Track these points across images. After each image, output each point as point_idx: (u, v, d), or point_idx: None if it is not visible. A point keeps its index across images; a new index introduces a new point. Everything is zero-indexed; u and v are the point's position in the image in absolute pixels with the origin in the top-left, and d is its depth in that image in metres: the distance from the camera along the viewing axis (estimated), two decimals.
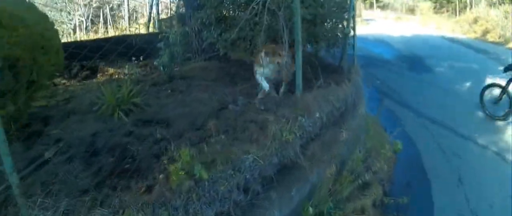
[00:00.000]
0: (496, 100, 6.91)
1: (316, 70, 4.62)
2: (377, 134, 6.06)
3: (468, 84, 8.87)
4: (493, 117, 6.84)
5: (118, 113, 3.70)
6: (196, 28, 5.67)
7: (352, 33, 5.95)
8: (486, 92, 7.10)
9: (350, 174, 4.34)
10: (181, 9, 7.10)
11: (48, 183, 2.75)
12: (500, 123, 6.71)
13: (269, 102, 3.87)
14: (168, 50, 4.95)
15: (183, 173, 2.59)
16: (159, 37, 5.13)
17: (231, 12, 4.80)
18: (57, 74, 4.79)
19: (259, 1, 4.12)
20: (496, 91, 7.00)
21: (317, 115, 4.01)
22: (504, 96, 6.77)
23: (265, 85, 4.19)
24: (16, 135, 3.35)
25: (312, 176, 3.70)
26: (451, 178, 5.25)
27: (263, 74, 4.19)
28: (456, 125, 6.71)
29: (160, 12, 10.57)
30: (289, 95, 4.14)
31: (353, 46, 6.22)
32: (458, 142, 6.19)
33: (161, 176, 2.73)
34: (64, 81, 5.56)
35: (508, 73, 6.72)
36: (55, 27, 4.17)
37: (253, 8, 4.09)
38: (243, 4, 4.47)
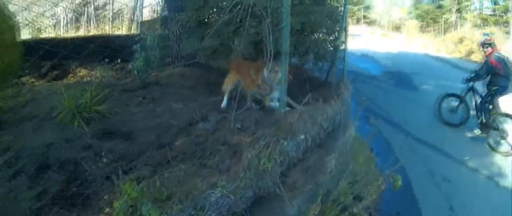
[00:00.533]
0: (453, 109, 7.30)
1: (303, 84, 4.11)
2: (364, 156, 5.59)
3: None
4: (449, 124, 7.23)
5: (78, 121, 3.36)
6: (177, 32, 5.18)
7: (342, 46, 5.51)
8: (444, 102, 7.52)
9: (336, 205, 3.81)
10: (164, 12, 6.62)
11: None
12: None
13: (248, 119, 3.30)
14: (144, 53, 4.60)
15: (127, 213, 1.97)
16: (136, 39, 4.76)
17: (213, 16, 4.27)
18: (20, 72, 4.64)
19: (243, 5, 3.58)
20: (453, 101, 7.42)
21: (302, 137, 3.47)
22: (461, 105, 7.20)
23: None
24: None
25: (291, 209, 3.15)
26: (442, 206, 4.84)
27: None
28: (444, 145, 6.44)
29: (146, 14, 10.03)
30: (270, 111, 3.58)
31: (344, 59, 5.76)
32: (447, 165, 5.86)
33: (106, 210, 2.13)
34: (32, 80, 5.27)
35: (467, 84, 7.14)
36: (11, 21, 3.70)
37: (237, 12, 3.55)
38: (226, 8, 3.94)
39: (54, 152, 2.95)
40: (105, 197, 2.23)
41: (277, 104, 3.72)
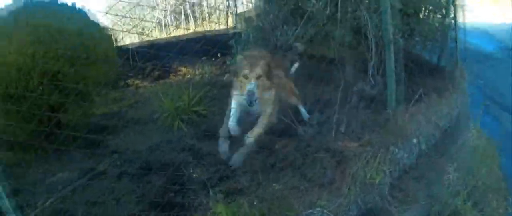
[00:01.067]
0: None
1: (412, 72, 3.50)
2: (485, 156, 4.68)
3: None
4: None
5: (178, 123, 3.36)
6: (271, 23, 4.96)
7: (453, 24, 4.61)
8: None
9: None
10: (258, 2, 6.48)
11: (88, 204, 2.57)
12: None
13: (353, 121, 2.85)
14: (239, 47, 4.47)
15: None
16: (232, 33, 4.65)
17: (307, 4, 3.87)
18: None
19: None
20: None
21: (414, 140, 2.93)
22: None
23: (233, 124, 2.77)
24: (74, 145, 3.28)
25: None
26: None
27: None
28: None
29: (242, 5, 10.02)
30: (377, 110, 3.07)
31: (455, 40, 4.83)
32: None
33: None
34: (137, 82, 5.48)
35: None
36: (102, 33, 3.79)
37: None
38: None
39: (155, 155, 3.01)
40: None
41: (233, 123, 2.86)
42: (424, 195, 2.93)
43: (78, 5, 3.75)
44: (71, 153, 3.34)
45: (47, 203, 2.71)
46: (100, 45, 3.50)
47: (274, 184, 2.18)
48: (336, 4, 3.26)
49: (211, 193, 2.07)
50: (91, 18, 3.75)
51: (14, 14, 3.37)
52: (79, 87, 3.24)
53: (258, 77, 2.52)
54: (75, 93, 3.22)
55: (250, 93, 2.47)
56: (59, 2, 3.81)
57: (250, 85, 2.48)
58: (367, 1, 3.19)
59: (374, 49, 3.04)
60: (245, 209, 1.92)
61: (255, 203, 2.03)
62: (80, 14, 3.78)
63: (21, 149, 3.19)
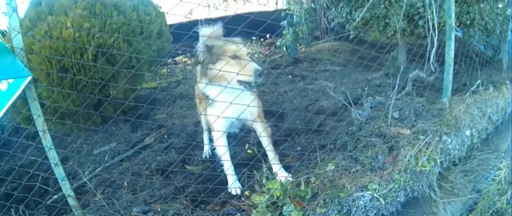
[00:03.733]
0: None
1: (470, 65, 3.36)
2: None
3: None
4: None
5: None
6: (324, 5, 4.88)
7: None
8: None
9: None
10: None
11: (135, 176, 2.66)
12: None
13: (407, 108, 2.82)
14: (291, 29, 4.50)
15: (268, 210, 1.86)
16: (282, 14, 4.69)
17: None
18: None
19: None
20: None
21: (467, 133, 2.85)
22: None
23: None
24: (123, 118, 3.47)
25: None
26: None
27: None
28: None
29: None
30: (431, 99, 3.01)
31: None
32: None
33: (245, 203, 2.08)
34: (185, 59, 5.68)
35: None
36: (156, 10, 3.89)
37: None
38: None
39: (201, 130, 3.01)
40: (245, 192, 2.15)
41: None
42: (470, 189, 2.89)
43: None
44: (119, 125, 3.52)
45: (94, 172, 2.90)
46: (155, 22, 3.61)
47: (328, 164, 2.23)
48: None
49: (265, 168, 2.14)
50: None
51: None
52: (132, 62, 3.36)
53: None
54: (126, 67, 3.33)
55: (257, 72, 1.94)
56: None
57: (251, 65, 1.97)
58: None
59: (434, 36, 2.94)
60: (302, 186, 1.99)
61: (311, 180, 2.09)
62: None
63: (71, 120, 3.32)
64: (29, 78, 1.79)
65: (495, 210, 3.39)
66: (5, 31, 4.64)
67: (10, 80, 1.76)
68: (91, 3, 3.31)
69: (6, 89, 1.77)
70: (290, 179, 2.15)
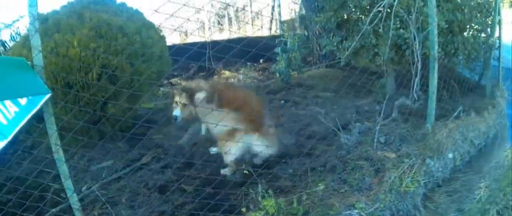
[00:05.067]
0: None
1: (453, 91, 3.58)
2: None
3: None
4: None
5: None
6: (316, 32, 5.09)
7: (497, 43, 4.61)
8: None
9: None
10: (302, 11, 6.57)
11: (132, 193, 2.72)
12: None
13: (392, 133, 3.01)
14: (285, 55, 4.65)
15: None
16: (276, 41, 4.82)
17: (353, 16, 3.99)
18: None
19: (384, 4, 3.22)
20: None
21: (450, 156, 3.04)
22: None
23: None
24: (120, 136, 3.51)
25: None
26: None
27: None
28: None
29: (284, 13, 10.09)
30: (416, 125, 3.20)
31: (499, 59, 4.82)
32: None
33: None
34: (180, 81, 5.69)
35: None
36: (158, 34, 4.06)
37: (378, 12, 3.22)
38: (367, 8, 3.63)
39: (199, 151, 3.15)
40: (242, 209, 2.29)
41: None
42: (454, 209, 3.04)
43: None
44: (117, 143, 3.54)
45: (92, 189, 2.87)
46: (157, 45, 3.75)
47: (318, 184, 2.38)
48: (382, 19, 3.36)
49: (260, 188, 2.29)
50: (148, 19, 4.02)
51: (78, 10, 3.63)
52: (133, 83, 3.42)
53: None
54: (127, 87, 3.36)
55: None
56: (117, 2, 4.10)
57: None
58: (412, 19, 3.28)
59: (419, 66, 3.15)
60: (294, 204, 2.14)
61: (302, 199, 2.25)
62: (138, 15, 4.07)
63: (70, 134, 3.42)
64: (48, 95, 1.88)
65: None
66: (5, 41, 4.79)
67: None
68: (97, 25, 3.43)
69: (25, 104, 1.85)
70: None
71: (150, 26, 3.94)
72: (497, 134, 3.97)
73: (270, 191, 2.28)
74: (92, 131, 3.41)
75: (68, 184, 2.11)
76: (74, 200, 2.12)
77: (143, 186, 2.87)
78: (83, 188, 2.97)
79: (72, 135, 3.26)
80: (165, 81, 5.33)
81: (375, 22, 3.21)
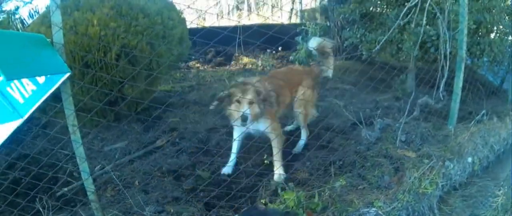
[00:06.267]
0: None
1: (475, 92, 3.49)
2: None
3: None
4: None
5: None
6: (338, 23, 4.99)
7: None
8: None
9: None
10: (324, 1, 6.43)
11: (146, 176, 2.68)
12: None
13: (413, 132, 2.95)
14: (305, 44, 4.54)
15: None
16: (297, 30, 4.63)
17: (378, 8, 3.88)
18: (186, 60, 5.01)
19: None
20: None
21: (469, 160, 2.97)
22: None
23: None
24: (136, 118, 3.48)
25: None
26: None
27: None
28: None
29: (306, 1, 9.91)
30: (438, 125, 3.13)
31: None
32: None
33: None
34: (198, 65, 5.69)
35: None
36: (179, 16, 3.95)
37: (405, 6, 3.12)
38: (394, 1, 3.52)
39: (214, 136, 3.10)
40: (261, 200, 2.26)
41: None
42: (468, 214, 3.00)
43: None
44: (132, 125, 3.51)
45: (105, 169, 2.88)
46: (177, 27, 3.67)
47: (340, 180, 2.35)
48: (408, 14, 3.27)
49: (282, 179, 2.26)
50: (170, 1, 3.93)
51: None
52: (152, 64, 3.41)
53: (250, 103, 2.47)
54: (146, 69, 3.36)
55: (243, 117, 2.44)
56: None
57: (243, 113, 2.43)
58: (444, 16, 3.18)
59: (445, 66, 3.06)
60: (315, 199, 2.11)
61: (323, 194, 2.21)
62: None
63: (89, 114, 3.40)
64: (67, 75, 1.80)
65: None
66: (24, 19, 4.75)
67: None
68: (118, 3, 3.37)
69: (43, 83, 1.79)
70: (283, 176, 2.48)
71: (171, 7, 3.86)
72: None
73: (291, 184, 2.24)
74: (109, 112, 3.39)
75: (84, 166, 2.07)
76: (89, 182, 2.09)
77: (156, 169, 2.84)
78: (96, 168, 2.96)
79: (88, 116, 3.30)
80: (183, 64, 5.29)
81: (401, 16, 3.11)
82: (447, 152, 2.75)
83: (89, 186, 2.13)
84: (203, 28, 5.64)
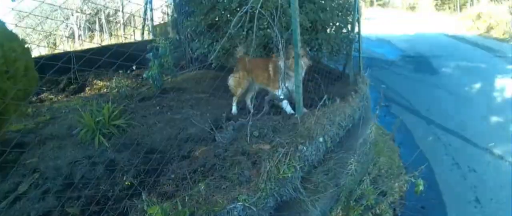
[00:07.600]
0: None
1: (318, 81, 4.04)
2: (386, 148, 5.47)
3: (477, 85, 8.30)
4: None
5: (99, 138, 3.33)
6: (188, 36, 5.16)
7: (357, 38, 5.38)
8: None
9: (359, 205, 3.75)
10: (174, 15, 6.56)
11: None
12: None
13: (265, 126, 3.26)
14: (157, 61, 4.58)
15: None
16: (148, 47, 4.74)
17: (223, 18, 4.20)
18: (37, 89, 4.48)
19: (250, 7, 3.49)
20: None
21: (320, 139, 3.41)
22: None
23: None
24: None
25: (314, 212, 3.12)
26: (468, 198, 4.70)
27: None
28: (469, 134, 6.14)
29: (158, 17, 9.91)
30: (287, 117, 3.52)
31: (359, 51, 5.62)
32: (472, 154, 5.62)
33: None
34: (51, 96, 5.26)
35: None
36: (21, 46, 3.58)
37: (245, 14, 3.48)
38: (237, 10, 3.89)
39: (78, 170, 2.97)
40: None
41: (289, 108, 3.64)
42: (332, 185, 3.43)
43: None
44: None
45: None
46: (21, 59, 3.40)
47: (199, 184, 2.45)
48: (250, 21, 3.63)
49: (144, 197, 2.26)
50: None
51: None
52: None
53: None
54: None
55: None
56: None
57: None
58: (276, 20, 3.62)
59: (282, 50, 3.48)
60: (178, 207, 2.16)
61: (186, 201, 2.28)
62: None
63: None
64: None
65: (358, 196, 4.08)
66: None
67: None
68: None
69: None
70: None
71: (12, 37, 3.53)
72: (361, 115, 4.60)
73: (154, 199, 2.26)
74: None
75: None
76: None
77: None
78: None
79: None
80: (34, 98, 4.83)
81: (239, 24, 3.43)
82: (298, 138, 3.12)
83: None
84: (53, 55, 5.28)
